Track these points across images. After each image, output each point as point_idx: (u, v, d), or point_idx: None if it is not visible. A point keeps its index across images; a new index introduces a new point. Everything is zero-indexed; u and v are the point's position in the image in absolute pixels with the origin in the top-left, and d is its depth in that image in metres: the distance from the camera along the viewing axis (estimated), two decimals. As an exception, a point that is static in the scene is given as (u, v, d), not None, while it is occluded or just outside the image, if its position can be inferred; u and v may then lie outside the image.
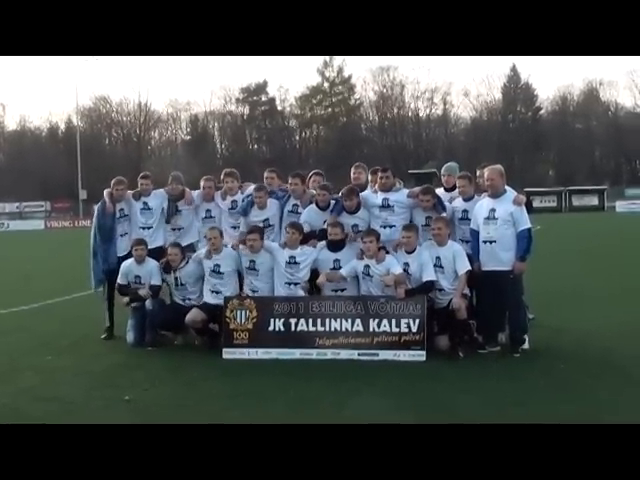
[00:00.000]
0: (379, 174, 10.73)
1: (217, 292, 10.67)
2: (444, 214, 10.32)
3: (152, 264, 11.18)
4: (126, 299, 11.20)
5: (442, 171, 11.28)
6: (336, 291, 10.32)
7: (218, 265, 10.71)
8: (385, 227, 10.47)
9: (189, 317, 10.52)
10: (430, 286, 9.95)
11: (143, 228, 11.66)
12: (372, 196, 10.70)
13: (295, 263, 10.40)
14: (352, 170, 11.41)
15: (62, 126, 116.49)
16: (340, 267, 10.29)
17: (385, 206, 10.52)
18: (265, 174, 11.79)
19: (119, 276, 11.27)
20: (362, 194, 10.72)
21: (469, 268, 9.93)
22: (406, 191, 10.72)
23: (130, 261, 11.24)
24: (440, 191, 10.99)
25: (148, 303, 10.98)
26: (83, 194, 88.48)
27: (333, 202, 10.77)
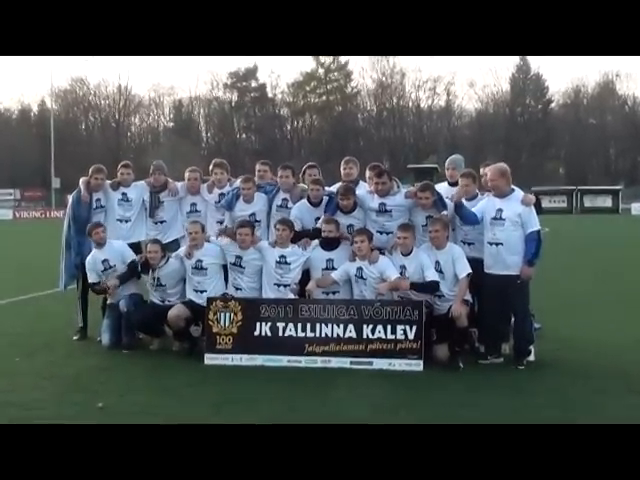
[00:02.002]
0: (374, 179, 10.58)
1: (201, 291, 10.63)
2: (445, 212, 10.22)
3: (117, 243, 11.16)
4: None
5: (446, 164, 11.24)
6: (327, 294, 10.30)
7: (200, 261, 10.62)
8: (382, 233, 10.42)
9: (173, 312, 10.43)
10: (436, 286, 9.89)
11: (120, 221, 11.62)
12: (369, 198, 10.56)
13: (285, 263, 10.39)
14: (342, 165, 11.24)
15: (35, 108, 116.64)
16: (333, 267, 10.29)
17: (382, 211, 10.43)
18: (257, 166, 11.73)
19: (88, 273, 11.19)
20: (358, 193, 10.63)
21: (469, 271, 9.90)
22: (404, 192, 10.58)
23: (91, 252, 11.14)
24: (444, 185, 10.97)
25: (122, 304, 10.86)
26: (56, 183, 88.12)
27: (326, 198, 10.73)
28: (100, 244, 11.06)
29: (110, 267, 11.08)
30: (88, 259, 11.15)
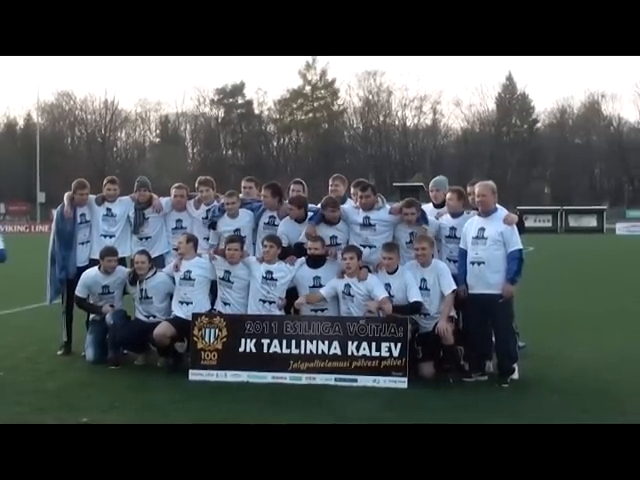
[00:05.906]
0: (358, 194, 10.68)
1: (187, 303, 10.58)
2: (425, 227, 10.29)
3: (122, 271, 11.10)
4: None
5: (430, 186, 11.25)
6: (316, 311, 10.31)
7: (189, 271, 10.60)
8: (365, 247, 10.42)
9: (158, 330, 10.35)
10: (418, 307, 9.92)
11: (105, 236, 11.55)
12: (353, 212, 10.64)
13: (272, 279, 10.37)
14: (330, 182, 11.38)
15: (20, 122, 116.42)
16: (320, 285, 10.29)
17: (366, 225, 10.48)
18: (243, 183, 11.76)
19: (78, 287, 11.11)
20: (343, 207, 10.70)
21: (454, 287, 9.94)
22: (388, 207, 10.67)
23: (94, 271, 11.05)
24: (429, 207, 10.99)
25: (109, 317, 10.82)
26: (41, 197, 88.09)
27: (310, 213, 10.73)
28: (109, 272, 11.02)
29: (109, 293, 11.09)
30: (88, 276, 11.07)
